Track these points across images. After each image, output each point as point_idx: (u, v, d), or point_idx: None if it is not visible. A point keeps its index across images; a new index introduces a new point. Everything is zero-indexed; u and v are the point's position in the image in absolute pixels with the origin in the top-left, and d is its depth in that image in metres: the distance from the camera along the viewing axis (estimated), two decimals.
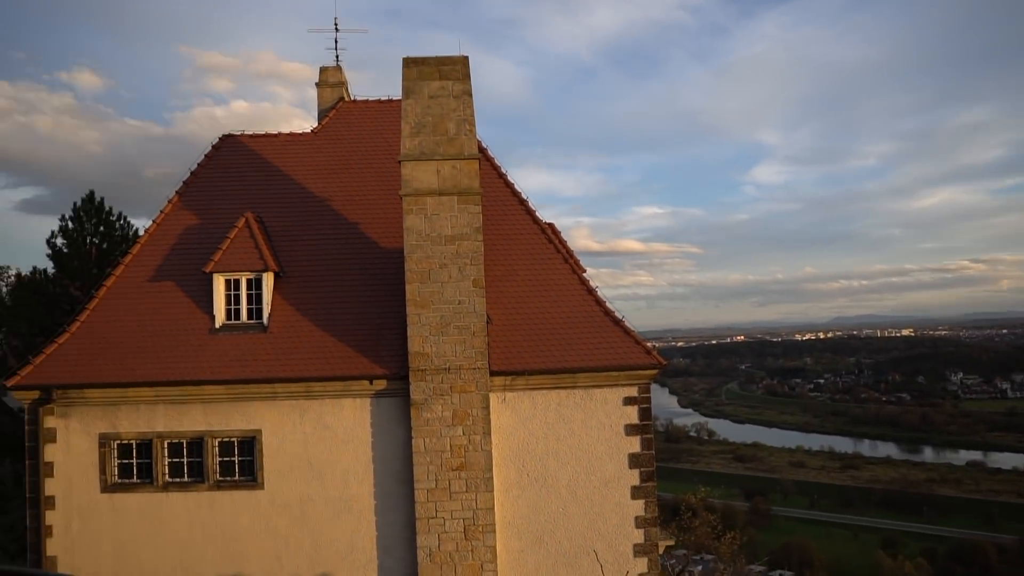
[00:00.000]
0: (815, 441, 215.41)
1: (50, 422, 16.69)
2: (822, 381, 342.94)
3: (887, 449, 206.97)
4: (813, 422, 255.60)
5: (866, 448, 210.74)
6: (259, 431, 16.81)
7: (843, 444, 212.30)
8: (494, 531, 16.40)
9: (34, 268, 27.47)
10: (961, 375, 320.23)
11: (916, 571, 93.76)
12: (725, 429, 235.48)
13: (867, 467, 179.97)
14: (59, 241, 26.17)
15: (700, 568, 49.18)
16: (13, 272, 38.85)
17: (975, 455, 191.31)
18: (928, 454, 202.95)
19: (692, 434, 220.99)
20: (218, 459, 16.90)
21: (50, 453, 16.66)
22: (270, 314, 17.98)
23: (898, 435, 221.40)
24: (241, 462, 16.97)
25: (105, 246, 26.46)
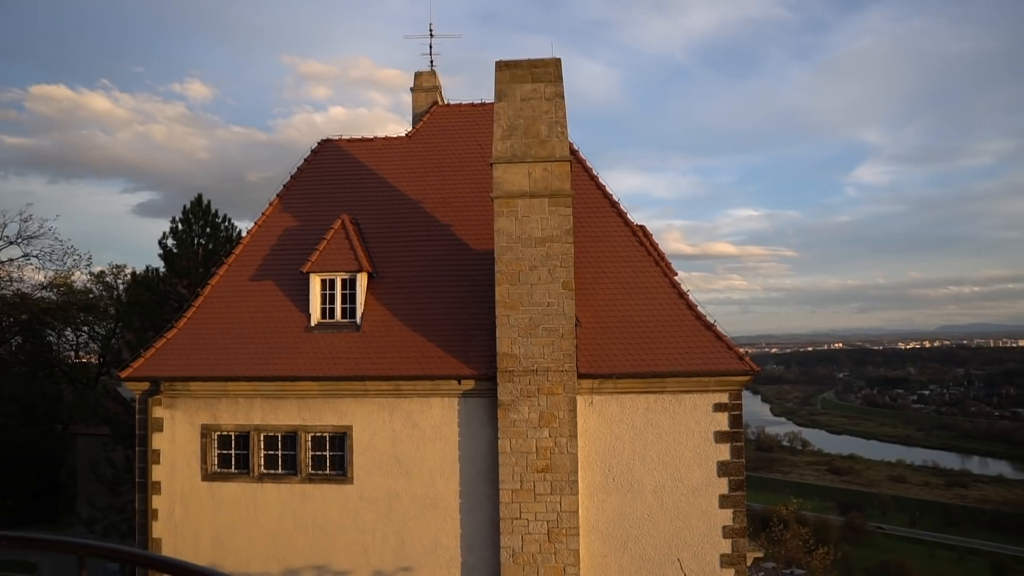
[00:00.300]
0: (918, 456, 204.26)
1: (158, 412, 17.68)
2: (927, 392, 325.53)
3: (999, 467, 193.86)
4: (916, 435, 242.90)
5: (975, 465, 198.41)
6: (350, 427, 17.28)
7: (949, 460, 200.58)
8: (578, 534, 16.31)
9: (147, 267, 29.15)
10: None
11: None
12: (820, 439, 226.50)
13: (976, 485, 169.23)
14: (170, 242, 27.65)
15: None
16: (129, 271, 41.53)
17: None
18: None
19: (785, 444, 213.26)
20: (310, 453, 17.47)
21: (157, 441, 17.64)
22: (363, 313, 18.46)
23: (1013, 453, 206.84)
24: (332, 457, 17.50)
25: (211, 247, 27.80)
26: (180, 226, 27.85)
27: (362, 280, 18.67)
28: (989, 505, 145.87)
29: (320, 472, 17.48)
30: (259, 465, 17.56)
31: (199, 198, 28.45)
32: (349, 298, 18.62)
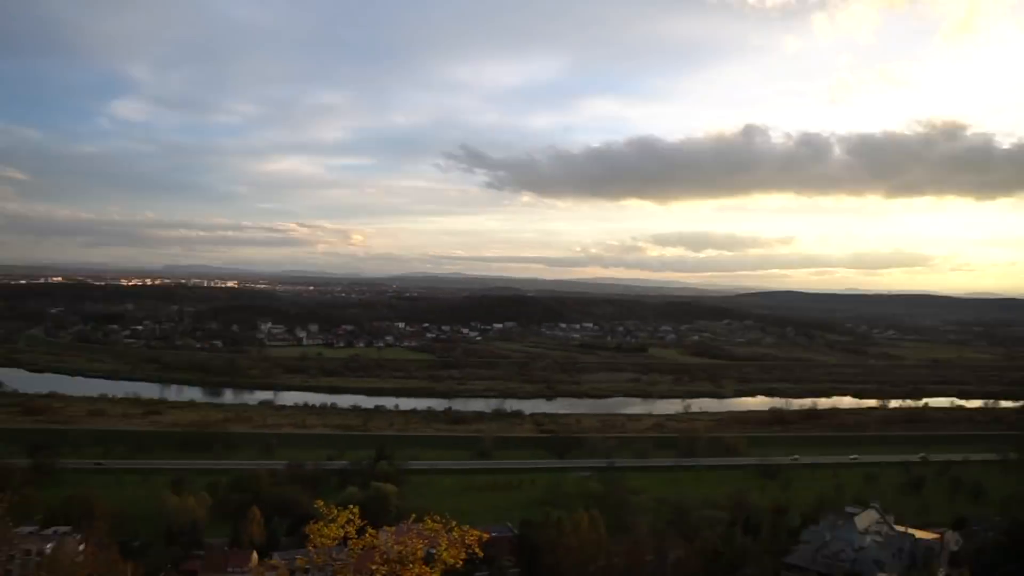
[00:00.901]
0: (122, 388, 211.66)
1: None
2: (140, 328, 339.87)
3: (193, 393, 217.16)
4: (124, 369, 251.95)
5: (173, 393, 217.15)
6: None
7: (151, 390, 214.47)
8: None
9: None
10: (270, 324, 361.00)
11: (197, 504, 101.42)
12: (19, 380, 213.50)
13: (171, 411, 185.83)
14: None
15: None
16: None
17: (268, 395, 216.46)
18: (229, 396, 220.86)
19: None
20: None
21: None
22: None
23: (206, 380, 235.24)
24: None
25: None
26: None
27: None
28: (178, 428, 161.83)
29: None
30: None
31: None
32: None
